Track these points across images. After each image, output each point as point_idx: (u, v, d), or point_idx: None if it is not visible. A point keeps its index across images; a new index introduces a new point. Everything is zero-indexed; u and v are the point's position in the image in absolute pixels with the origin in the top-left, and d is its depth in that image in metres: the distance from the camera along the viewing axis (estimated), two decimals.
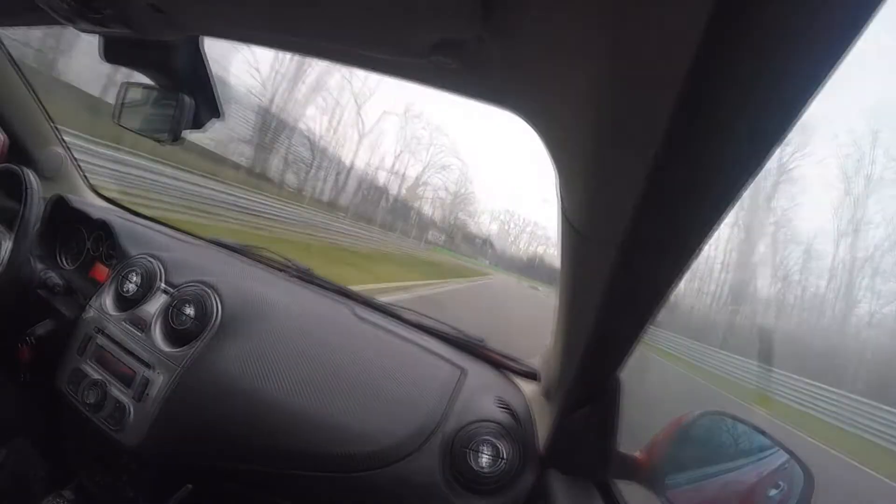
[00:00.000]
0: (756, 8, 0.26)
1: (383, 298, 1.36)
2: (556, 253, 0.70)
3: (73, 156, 1.51)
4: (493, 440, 0.89)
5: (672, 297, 0.54)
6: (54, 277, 1.18)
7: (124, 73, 0.87)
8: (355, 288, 1.36)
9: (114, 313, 1.08)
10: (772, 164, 0.35)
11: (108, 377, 1.02)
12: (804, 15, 0.26)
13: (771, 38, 0.27)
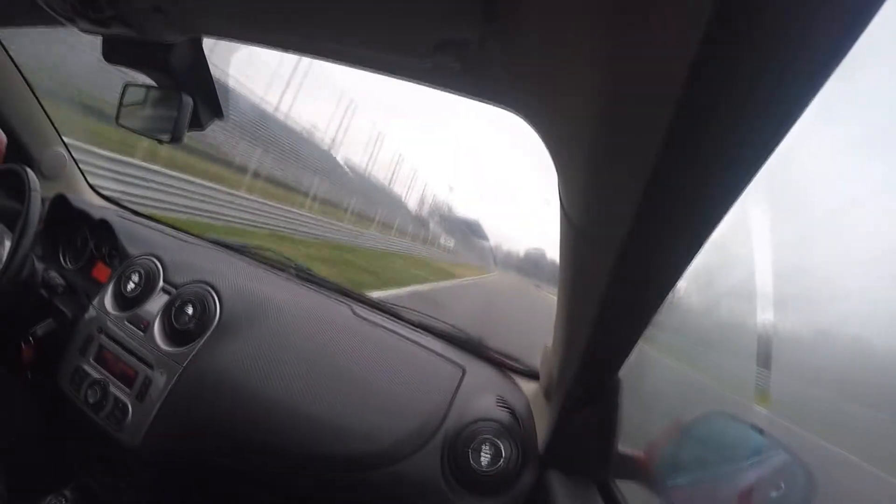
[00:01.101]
0: (755, 9, 0.26)
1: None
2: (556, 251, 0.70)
3: (73, 156, 1.51)
4: (494, 439, 0.89)
5: (671, 297, 0.54)
6: (56, 277, 1.18)
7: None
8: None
9: (115, 313, 1.09)
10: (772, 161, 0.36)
11: (109, 376, 1.02)
12: (803, 17, 0.26)
13: (770, 39, 0.27)
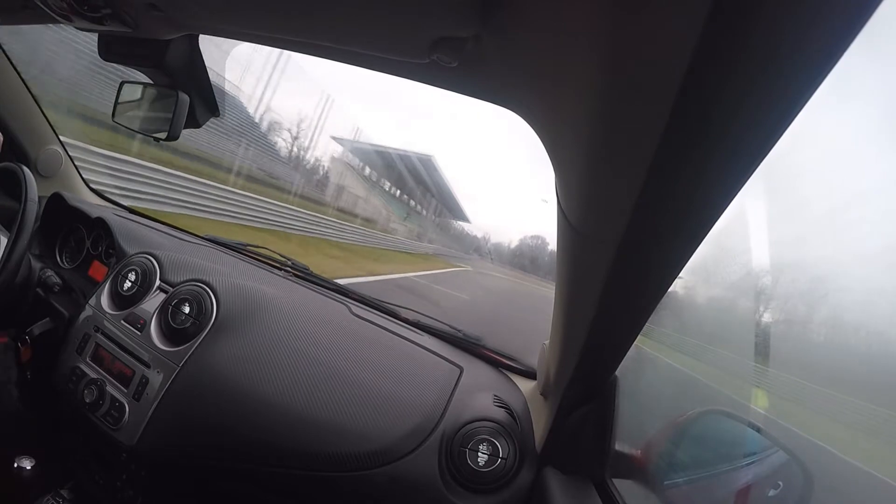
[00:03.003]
0: (753, 6, 0.26)
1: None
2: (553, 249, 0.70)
3: (70, 154, 1.50)
4: (492, 439, 0.89)
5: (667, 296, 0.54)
6: (52, 276, 1.18)
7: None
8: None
9: (111, 312, 1.08)
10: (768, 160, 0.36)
11: (105, 376, 1.01)
12: (801, 12, 0.25)
13: (768, 35, 0.27)
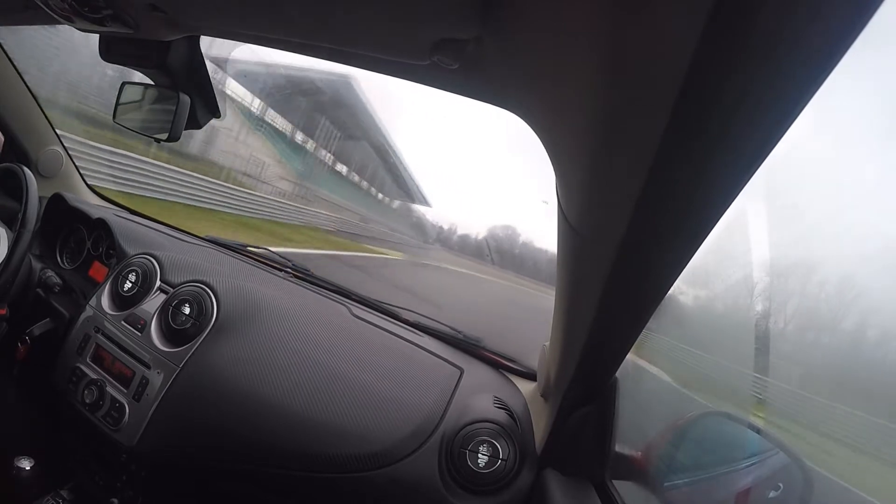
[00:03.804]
0: (753, 6, 0.26)
1: None
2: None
3: (71, 155, 1.51)
4: (492, 440, 0.88)
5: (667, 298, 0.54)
6: (53, 277, 1.18)
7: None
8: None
9: (112, 312, 1.08)
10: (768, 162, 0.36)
11: (105, 377, 1.02)
12: (802, 11, 0.25)
13: (767, 41, 0.27)
